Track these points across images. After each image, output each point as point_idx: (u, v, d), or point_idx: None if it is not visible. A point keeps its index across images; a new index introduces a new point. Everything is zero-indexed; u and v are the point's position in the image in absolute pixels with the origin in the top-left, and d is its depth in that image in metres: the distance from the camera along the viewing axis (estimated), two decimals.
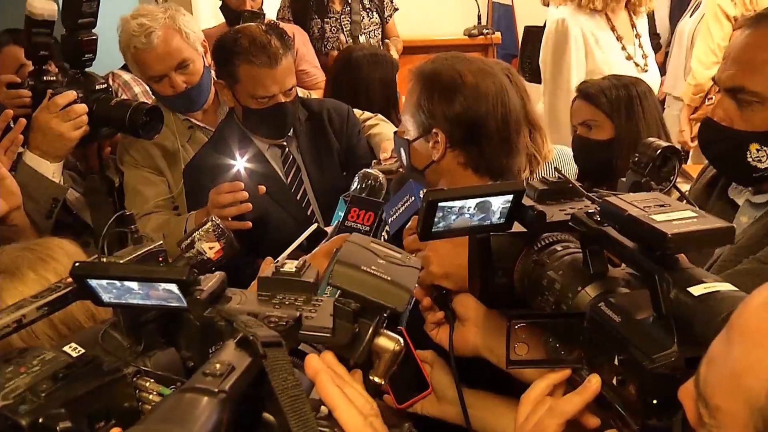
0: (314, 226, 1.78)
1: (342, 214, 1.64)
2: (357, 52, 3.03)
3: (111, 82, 2.64)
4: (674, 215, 0.78)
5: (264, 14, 3.40)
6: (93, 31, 2.10)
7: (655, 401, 0.77)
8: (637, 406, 0.79)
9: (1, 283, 1.11)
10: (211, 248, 1.21)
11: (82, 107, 2.04)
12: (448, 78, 1.59)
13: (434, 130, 1.58)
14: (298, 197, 2.30)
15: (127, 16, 2.37)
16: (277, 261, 1.51)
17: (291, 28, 3.45)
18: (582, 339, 0.89)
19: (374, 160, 2.31)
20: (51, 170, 2.03)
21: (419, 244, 1.30)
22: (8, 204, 1.81)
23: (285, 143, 2.33)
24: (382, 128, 2.54)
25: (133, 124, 2.09)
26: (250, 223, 2.02)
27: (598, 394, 0.87)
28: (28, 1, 1.98)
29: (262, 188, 2.09)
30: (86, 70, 2.15)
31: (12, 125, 1.99)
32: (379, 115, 2.67)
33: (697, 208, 0.80)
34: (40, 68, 2.08)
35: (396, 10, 3.94)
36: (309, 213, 2.30)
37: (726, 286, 0.74)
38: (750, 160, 1.45)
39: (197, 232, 1.19)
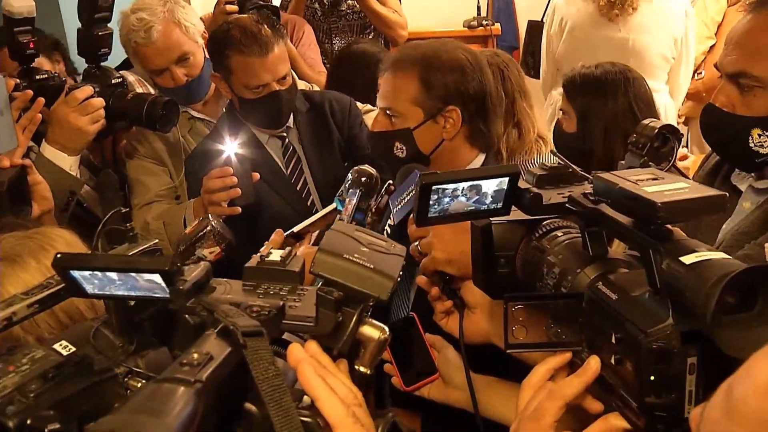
0: (333, 205, 1.79)
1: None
2: (356, 46, 3.05)
3: None
4: (666, 186, 0.77)
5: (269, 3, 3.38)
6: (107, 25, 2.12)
7: (652, 377, 0.76)
8: (635, 384, 0.78)
9: (3, 269, 1.10)
10: (211, 252, 1.21)
11: (100, 101, 2.08)
12: (449, 56, 1.65)
13: (449, 108, 1.64)
14: (298, 188, 2.30)
15: (126, 11, 2.37)
16: (287, 234, 1.50)
17: (294, 20, 3.44)
18: (581, 320, 0.88)
19: None
20: (69, 163, 2.07)
21: (422, 231, 1.30)
22: (40, 207, 1.86)
23: (285, 134, 2.32)
24: None
25: (150, 118, 2.12)
26: (239, 209, 2.03)
27: (599, 376, 0.86)
28: (5, 1, 1.98)
29: (256, 175, 2.09)
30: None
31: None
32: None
33: (692, 180, 0.78)
34: (28, 67, 2.08)
35: None
36: (309, 203, 2.29)
37: (719, 254, 0.72)
38: (752, 145, 1.44)
39: (198, 240, 1.18)
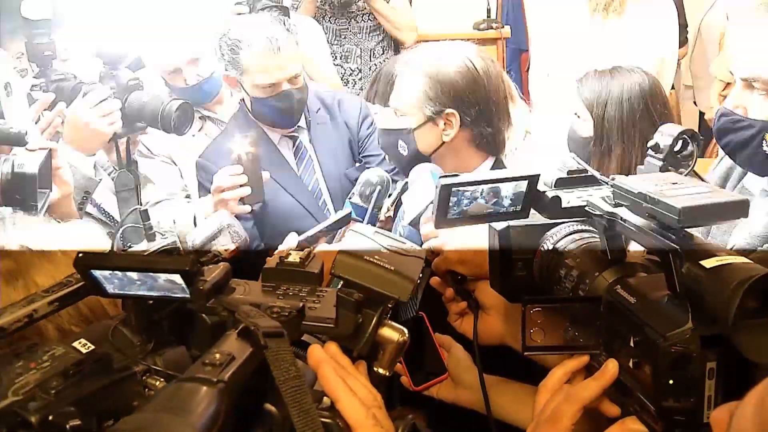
0: (348, 210, 1.80)
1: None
2: None
3: None
4: (686, 191, 0.77)
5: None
6: None
7: (671, 381, 0.75)
8: (653, 388, 0.78)
9: (30, 259, 1.11)
10: (226, 250, 1.22)
11: (115, 103, 2.08)
12: (456, 62, 1.70)
13: (448, 111, 1.70)
14: (309, 187, 2.30)
15: None
16: (301, 239, 1.52)
17: (304, 21, 3.45)
18: (599, 324, 0.88)
19: None
20: (84, 164, 2.08)
21: (435, 231, 1.31)
22: (61, 191, 1.86)
23: (296, 134, 2.33)
24: None
25: (165, 120, 2.12)
26: (249, 208, 2.04)
27: (616, 379, 0.85)
28: (23, 3, 2.00)
29: (266, 174, 2.10)
30: None
31: None
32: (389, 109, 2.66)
33: (711, 185, 0.78)
34: (46, 69, 2.09)
35: None
36: (321, 203, 2.29)
37: (740, 259, 0.73)
38: (766, 149, 1.43)
39: (215, 237, 1.19)
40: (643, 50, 3.21)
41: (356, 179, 2.01)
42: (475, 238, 1.11)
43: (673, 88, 3.69)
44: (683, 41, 3.70)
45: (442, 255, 1.27)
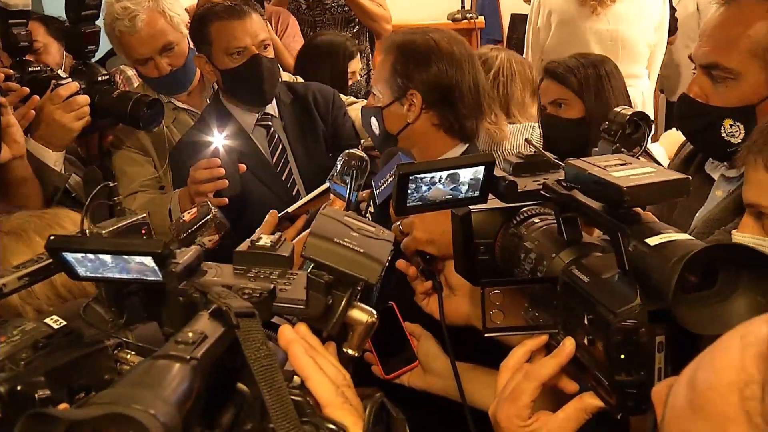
0: (326, 185, 1.83)
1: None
2: (320, 37, 3.15)
3: (117, 78, 2.70)
4: (633, 171, 0.79)
5: None
6: (95, 23, 2.15)
7: (622, 356, 0.78)
8: (606, 363, 0.80)
9: (7, 243, 1.12)
10: (210, 240, 1.23)
11: (85, 98, 2.09)
12: (422, 44, 1.71)
13: (410, 92, 1.70)
14: (283, 177, 2.32)
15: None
16: (281, 215, 1.52)
17: (278, 12, 3.45)
18: (556, 303, 0.91)
19: (361, 140, 2.32)
20: (53, 159, 2.08)
21: None
22: (11, 151, 1.85)
23: (270, 123, 2.34)
24: None
25: (134, 116, 2.13)
26: (226, 200, 2.06)
27: (574, 357, 0.88)
28: None
29: (243, 166, 2.11)
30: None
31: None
32: (365, 100, 2.69)
33: (659, 166, 0.81)
34: (21, 60, 2.08)
35: None
36: (294, 193, 2.31)
37: (683, 236, 0.75)
38: (724, 135, 1.49)
39: (199, 228, 1.20)
40: (636, 37, 3.27)
41: (329, 169, 2.03)
42: (444, 218, 1.14)
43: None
44: (673, 29, 3.76)
45: (411, 235, 1.29)
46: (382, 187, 1.65)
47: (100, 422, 0.53)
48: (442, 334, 1.25)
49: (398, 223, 1.34)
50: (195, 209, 1.18)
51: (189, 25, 2.41)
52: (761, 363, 0.51)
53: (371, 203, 1.77)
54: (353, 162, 1.73)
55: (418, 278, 1.30)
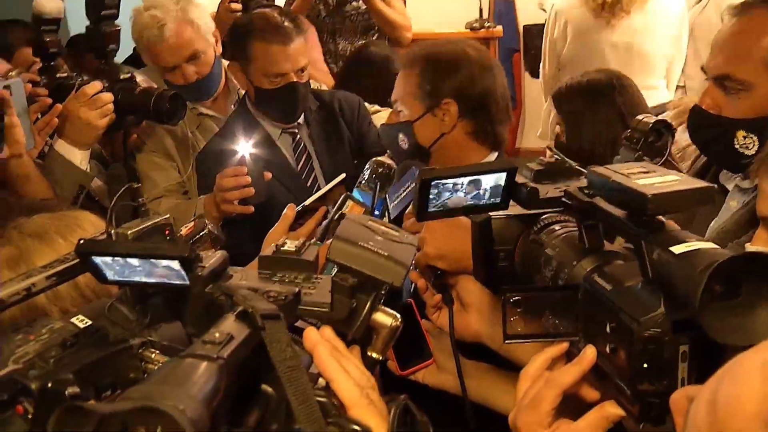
0: (342, 176, 1.84)
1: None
2: (366, 50, 3.13)
3: None
4: (657, 179, 0.80)
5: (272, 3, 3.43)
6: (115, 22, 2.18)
7: (645, 365, 0.78)
8: (629, 371, 0.80)
9: (31, 245, 1.14)
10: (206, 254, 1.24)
11: (108, 96, 2.14)
12: (451, 53, 1.71)
13: (445, 101, 1.69)
14: (308, 184, 2.34)
15: (139, 8, 2.42)
16: (298, 209, 1.54)
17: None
18: (577, 311, 0.90)
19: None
20: (79, 158, 2.14)
21: (417, 226, 1.34)
22: (10, 150, 1.91)
23: (296, 130, 2.36)
24: None
25: (157, 111, 2.18)
26: (252, 208, 2.08)
27: (595, 365, 0.88)
28: (36, 1, 2.05)
29: (268, 174, 2.13)
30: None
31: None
32: (389, 109, 2.70)
33: (683, 173, 0.81)
34: (49, 65, 2.14)
35: None
36: None
37: (708, 245, 0.75)
38: (737, 146, 1.48)
39: (195, 243, 1.22)
40: (652, 49, 3.27)
41: (355, 177, 2.04)
42: (455, 233, 1.14)
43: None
44: None
45: (422, 251, 1.29)
46: (396, 201, 1.65)
47: (130, 416, 0.54)
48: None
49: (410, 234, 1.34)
50: (192, 224, 1.20)
51: (227, 32, 2.44)
52: None
53: (386, 216, 1.77)
54: (380, 170, 1.74)
55: (429, 291, 1.31)
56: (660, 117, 1.14)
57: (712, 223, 1.59)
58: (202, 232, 1.26)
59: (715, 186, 0.80)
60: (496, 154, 1.76)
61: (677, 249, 0.74)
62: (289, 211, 1.71)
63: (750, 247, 1.27)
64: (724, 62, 1.48)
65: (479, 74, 1.69)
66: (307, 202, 1.83)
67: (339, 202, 1.77)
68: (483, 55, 1.72)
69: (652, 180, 0.80)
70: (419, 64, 1.72)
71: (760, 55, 1.42)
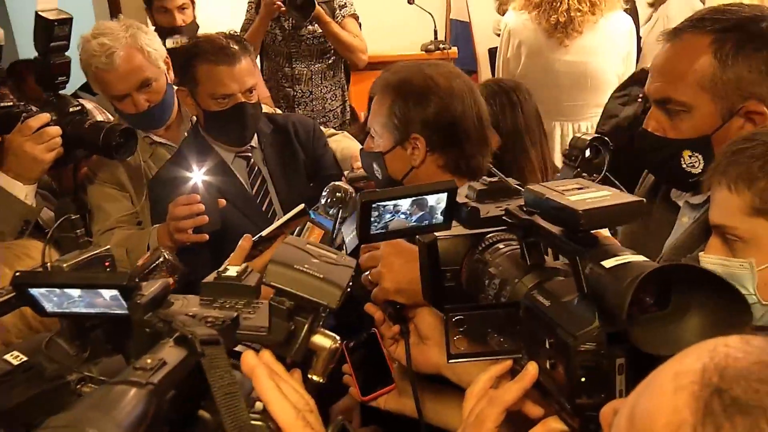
0: (301, 206, 1.81)
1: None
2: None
3: None
4: (589, 195, 0.81)
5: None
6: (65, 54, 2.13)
7: (583, 379, 0.79)
8: (568, 386, 0.81)
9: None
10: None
11: (56, 129, 2.07)
12: (420, 82, 1.64)
13: (413, 136, 1.63)
14: (263, 208, 2.32)
15: (87, 35, 2.36)
16: (255, 239, 1.52)
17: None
18: (519, 328, 0.91)
19: (345, 172, 2.33)
20: (24, 192, 2.06)
21: (374, 261, 1.33)
22: None
23: (250, 154, 2.35)
24: (349, 143, 2.58)
25: (107, 146, 2.12)
26: (207, 236, 2.04)
27: (537, 381, 0.89)
28: None
29: (222, 201, 2.10)
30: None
31: None
32: (345, 132, 2.72)
33: (617, 190, 0.83)
34: None
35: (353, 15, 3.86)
36: None
37: (639, 258, 0.76)
38: (684, 166, 1.52)
39: (151, 272, 1.21)
40: (604, 68, 3.35)
41: (310, 199, 2.04)
42: (412, 266, 1.14)
43: None
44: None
45: (380, 285, 1.29)
46: (351, 235, 1.64)
47: None
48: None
49: (367, 273, 1.34)
50: (148, 254, 1.20)
51: (173, 57, 2.43)
52: (693, 404, 0.52)
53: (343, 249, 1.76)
54: (338, 194, 1.73)
55: (386, 323, 1.31)
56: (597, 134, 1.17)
57: (668, 240, 1.63)
58: (158, 261, 1.24)
59: (644, 200, 0.81)
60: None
61: (608, 263, 0.76)
62: (245, 242, 1.69)
63: (703, 257, 1.29)
64: (662, 86, 1.52)
65: (447, 105, 1.61)
66: (264, 233, 1.82)
67: (299, 228, 1.76)
68: (454, 83, 1.64)
69: (584, 196, 0.81)
70: (391, 93, 1.66)
71: (694, 78, 1.46)
